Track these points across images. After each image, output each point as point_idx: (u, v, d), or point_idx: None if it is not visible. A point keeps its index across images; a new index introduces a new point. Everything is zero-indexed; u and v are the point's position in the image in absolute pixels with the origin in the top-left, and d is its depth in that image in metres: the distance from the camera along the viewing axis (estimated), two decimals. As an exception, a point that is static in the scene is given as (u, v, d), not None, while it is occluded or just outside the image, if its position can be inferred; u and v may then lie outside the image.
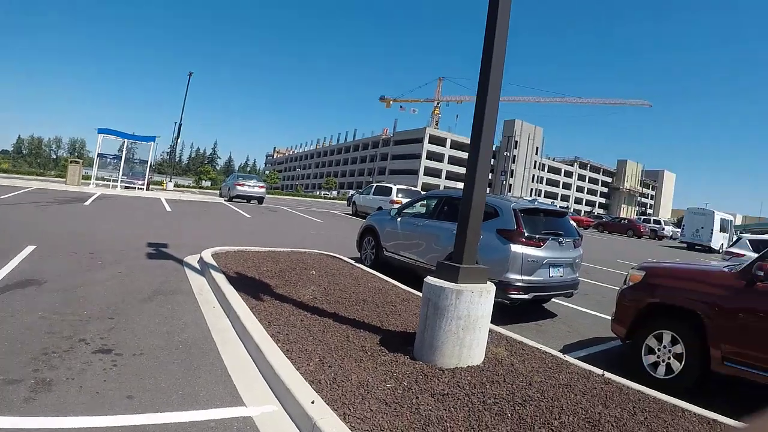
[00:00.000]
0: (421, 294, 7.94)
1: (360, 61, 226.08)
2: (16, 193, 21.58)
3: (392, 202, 25.55)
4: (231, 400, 4.24)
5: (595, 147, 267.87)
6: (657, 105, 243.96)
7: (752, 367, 5.37)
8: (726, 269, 6.25)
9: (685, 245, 43.95)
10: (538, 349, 6.05)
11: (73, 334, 5.31)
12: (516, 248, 8.14)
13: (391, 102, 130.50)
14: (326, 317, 6.39)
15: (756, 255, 12.42)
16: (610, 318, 7.36)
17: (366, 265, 11.04)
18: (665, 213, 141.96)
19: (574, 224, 10.03)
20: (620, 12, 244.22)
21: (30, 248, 9.36)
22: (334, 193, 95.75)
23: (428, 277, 5.41)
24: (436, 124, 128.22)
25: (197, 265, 9.41)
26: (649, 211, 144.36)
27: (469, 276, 5.22)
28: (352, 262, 10.92)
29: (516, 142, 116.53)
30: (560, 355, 5.97)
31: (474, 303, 5.05)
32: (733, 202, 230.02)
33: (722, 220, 43.54)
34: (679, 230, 48.79)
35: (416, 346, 5.29)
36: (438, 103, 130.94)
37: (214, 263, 8.96)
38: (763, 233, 32.69)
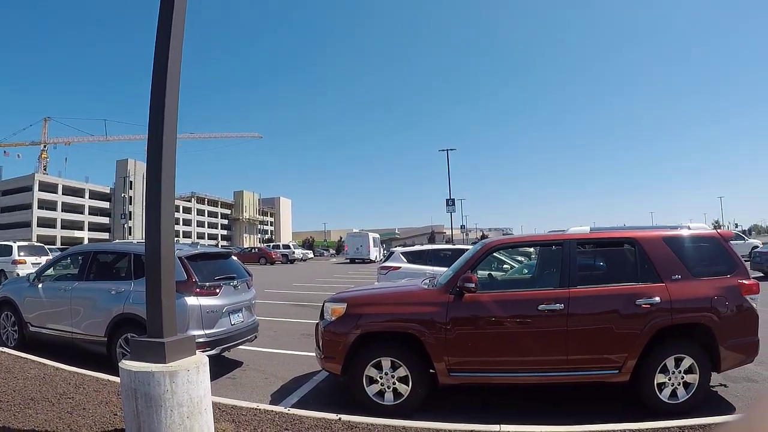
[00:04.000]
0: (92, 374, 6.69)
1: None
2: None
3: (15, 262, 21.79)
4: None
5: (213, 181, 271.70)
6: (267, 136, 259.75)
7: (475, 371, 5.70)
8: (425, 286, 6.45)
9: (349, 261, 55.08)
10: (258, 409, 5.38)
11: None
12: (192, 301, 7.23)
13: None
14: None
15: (412, 266, 13.89)
16: (299, 353, 6.99)
17: (11, 347, 8.73)
18: (286, 237, 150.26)
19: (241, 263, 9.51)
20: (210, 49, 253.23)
21: None
22: None
23: (124, 361, 4.28)
24: (45, 169, 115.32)
25: None
26: (273, 236, 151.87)
27: (178, 351, 4.26)
28: None
29: (131, 182, 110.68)
30: (285, 410, 5.41)
31: (193, 383, 4.11)
32: (358, 219, 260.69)
33: (374, 238, 56.91)
34: (309, 252, 67.29)
35: (133, 452, 4.10)
36: (45, 146, 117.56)
37: None
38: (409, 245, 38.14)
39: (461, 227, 71.20)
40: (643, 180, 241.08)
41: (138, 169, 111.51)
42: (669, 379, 5.49)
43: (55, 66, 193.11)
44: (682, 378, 5.49)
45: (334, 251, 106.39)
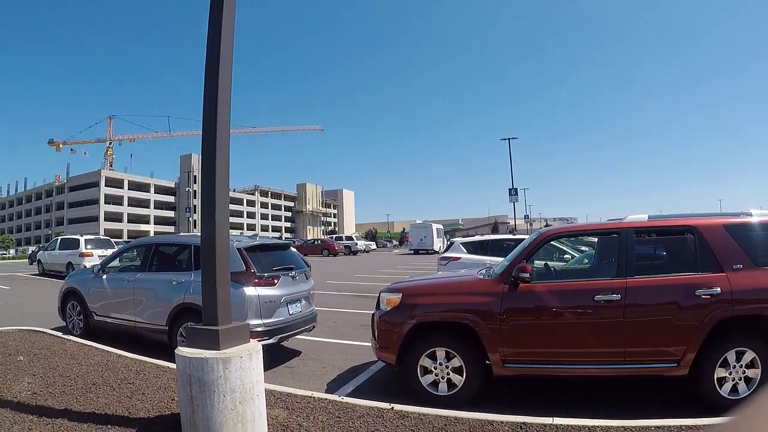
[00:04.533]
0: (153, 361, 6.94)
1: (21, 99, 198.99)
2: None
3: (82, 255, 23.05)
4: None
5: (276, 174, 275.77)
6: (328, 128, 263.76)
7: (530, 363, 5.60)
8: (481, 276, 6.38)
9: (413, 252, 55.91)
10: (312, 397, 5.46)
11: None
12: (250, 291, 7.43)
13: (60, 145, 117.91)
14: (58, 417, 4.95)
15: (472, 257, 13.79)
16: (358, 344, 6.97)
17: (76, 335, 9.21)
18: (350, 229, 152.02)
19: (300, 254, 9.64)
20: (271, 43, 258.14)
21: None
22: (12, 251, 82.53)
23: (180, 347, 4.46)
24: (111, 166, 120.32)
25: None
26: (336, 228, 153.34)
27: (231, 338, 4.39)
28: (60, 334, 9.04)
29: (195, 177, 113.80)
30: (339, 398, 5.50)
31: (246, 369, 4.23)
32: (421, 210, 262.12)
33: (437, 229, 57.49)
34: (372, 243, 69.50)
35: (187, 433, 4.28)
36: (110, 143, 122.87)
37: None
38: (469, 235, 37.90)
39: (525, 217, 70.01)
40: (710, 170, 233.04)
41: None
42: (729, 374, 5.24)
43: (119, 65, 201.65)
44: (744, 373, 5.23)
45: (397, 242, 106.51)
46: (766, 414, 0.78)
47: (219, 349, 4.23)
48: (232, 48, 4.69)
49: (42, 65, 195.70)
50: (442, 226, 63.07)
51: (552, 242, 8.32)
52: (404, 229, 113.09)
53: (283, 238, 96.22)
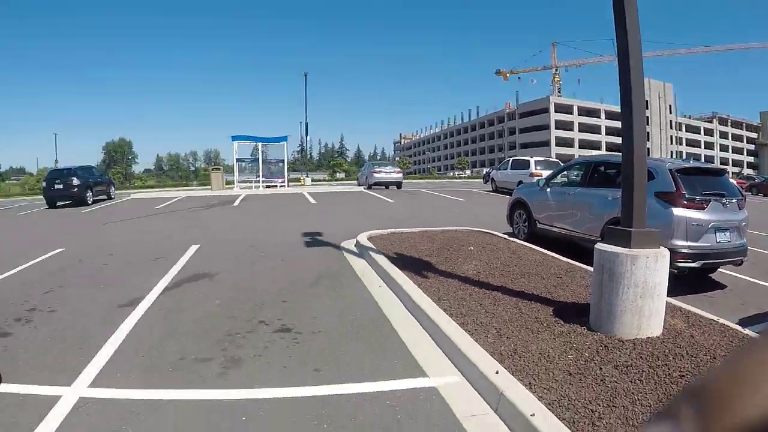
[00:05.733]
0: (583, 266, 7.71)
1: (467, 37, 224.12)
2: (169, 203, 22.87)
3: (532, 174, 24.45)
4: (413, 372, 4.30)
5: (732, 99, 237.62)
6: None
7: None
8: None
9: None
10: (715, 321, 5.52)
11: (252, 317, 5.73)
12: (678, 212, 7.56)
13: (507, 75, 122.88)
14: (493, 290, 6.27)
15: None
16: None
17: (520, 239, 10.57)
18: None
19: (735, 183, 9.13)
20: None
21: (194, 247, 10.13)
22: (468, 172, 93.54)
23: (599, 243, 5.18)
24: (559, 92, 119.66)
25: (355, 249, 9.55)
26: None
27: (642, 240, 4.93)
28: (506, 236, 10.52)
29: (646, 102, 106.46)
30: (740, 328, 5.41)
31: (650, 269, 4.76)
32: None
33: None
34: None
35: (592, 316, 5.07)
36: (556, 70, 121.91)
37: (372, 245, 9.04)
38: None
39: None
40: None
41: (653, 88, 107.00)
42: None
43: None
44: None
45: None
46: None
47: (630, 248, 4.86)
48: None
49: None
50: None
51: None
52: None
53: (744, 174, 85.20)
